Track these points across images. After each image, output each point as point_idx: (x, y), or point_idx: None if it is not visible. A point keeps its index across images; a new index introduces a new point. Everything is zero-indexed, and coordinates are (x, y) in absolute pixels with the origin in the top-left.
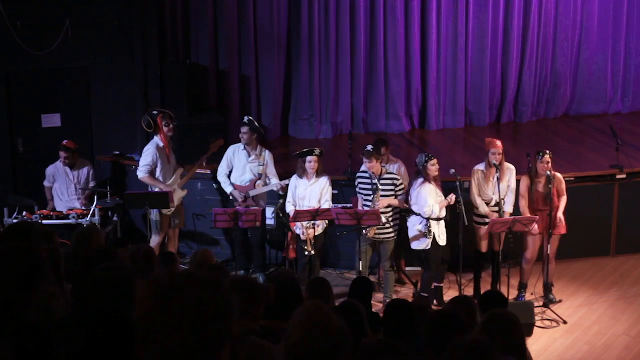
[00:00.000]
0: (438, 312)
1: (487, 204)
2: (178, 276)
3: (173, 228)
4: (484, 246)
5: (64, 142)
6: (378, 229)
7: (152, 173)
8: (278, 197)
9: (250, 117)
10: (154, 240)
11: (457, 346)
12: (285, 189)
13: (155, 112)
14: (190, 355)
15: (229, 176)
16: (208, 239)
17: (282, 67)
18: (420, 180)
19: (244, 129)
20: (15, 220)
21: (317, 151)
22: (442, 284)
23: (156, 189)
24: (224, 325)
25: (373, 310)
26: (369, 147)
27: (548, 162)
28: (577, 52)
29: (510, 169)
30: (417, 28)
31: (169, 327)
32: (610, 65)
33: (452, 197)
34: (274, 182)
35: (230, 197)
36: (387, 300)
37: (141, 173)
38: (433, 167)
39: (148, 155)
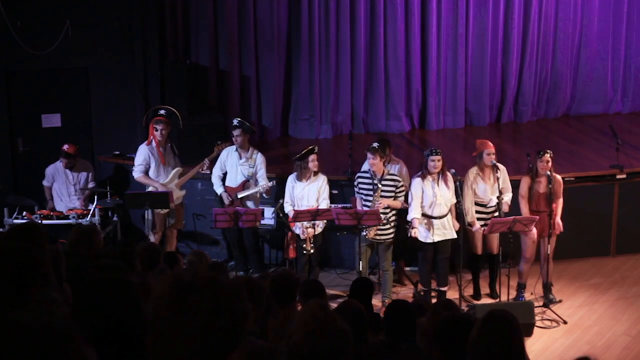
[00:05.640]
0: (449, 315)
1: (485, 205)
2: (199, 277)
3: (169, 228)
4: (479, 249)
5: (65, 147)
6: (378, 229)
7: (146, 172)
8: (278, 198)
9: (240, 119)
10: (150, 240)
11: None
12: (269, 191)
13: (161, 111)
14: (200, 356)
15: (223, 179)
16: (208, 239)
17: (282, 67)
18: (419, 173)
19: (236, 132)
20: (15, 221)
21: (316, 149)
22: (445, 288)
23: (150, 188)
24: (237, 331)
25: (373, 311)
26: (375, 144)
27: (548, 162)
28: (577, 52)
29: (501, 168)
30: (417, 28)
31: (183, 325)
32: (610, 65)
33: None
34: (263, 184)
35: (220, 199)
36: (386, 301)
37: (136, 173)
38: (432, 163)
39: (140, 155)
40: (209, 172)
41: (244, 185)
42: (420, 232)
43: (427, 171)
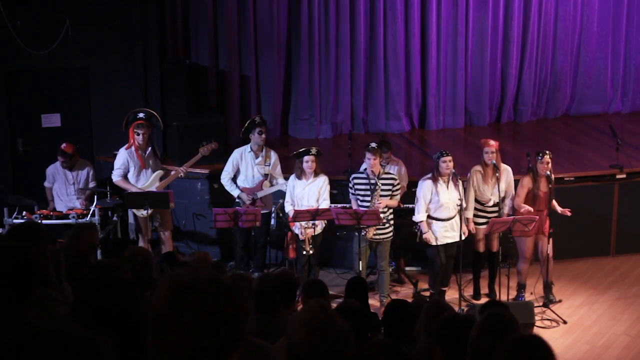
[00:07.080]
0: (452, 314)
1: (485, 204)
2: (200, 277)
3: (159, 231)
4: (481, 246)
5: (63, 146)
6: (377, 229)
7: (125, 176)
8: (278, 198)
9: (259, 115)
10: (140, 243)
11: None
12: None
13: (140, 115)
14: (200, 356)
15: (234, 180)
16: (208, 239)
17: (282, 67)
18: (428, 175)
19: (263, 128)
20: (15, 221)
21: (313, 151)
22: (445, 289)
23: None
24: (237, 332)
25: (372, 310)
26: (374, 144)
27: (548, 163)
28: (577, 52)
29: (506, 169)
30: (417, 28)
31: (182, 324)
32: (610, 65)
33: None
34: (282, 182)
35: (238, 200)
36: (384, 300)
37: (115, 177)
38: (443, 164)
39: (119, 159)
40: (182, 175)
41: (263, 184)
42: (430, 234)
43: (439, 173)
